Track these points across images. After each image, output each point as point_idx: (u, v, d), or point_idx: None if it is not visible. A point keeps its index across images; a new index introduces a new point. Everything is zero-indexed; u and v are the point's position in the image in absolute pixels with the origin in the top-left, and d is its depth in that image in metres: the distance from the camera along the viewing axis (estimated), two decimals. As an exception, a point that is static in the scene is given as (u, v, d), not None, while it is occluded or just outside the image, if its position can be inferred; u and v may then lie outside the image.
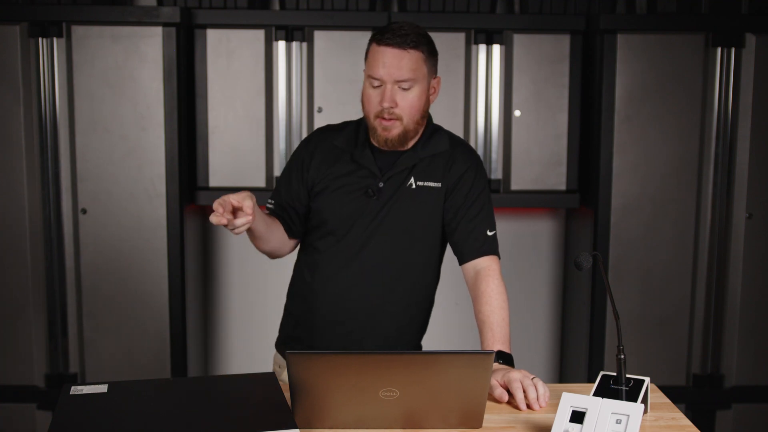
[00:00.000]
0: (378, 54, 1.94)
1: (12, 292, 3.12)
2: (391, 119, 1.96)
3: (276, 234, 2.09)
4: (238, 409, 1.63)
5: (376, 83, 1.95)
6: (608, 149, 3.14)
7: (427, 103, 2.03)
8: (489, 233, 2.07)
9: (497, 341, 1.95)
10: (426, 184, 2.05)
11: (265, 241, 2.07)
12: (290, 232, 2.13)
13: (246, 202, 1.82)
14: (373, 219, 2.03)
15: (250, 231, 1.97)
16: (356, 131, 2.09)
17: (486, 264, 2.04)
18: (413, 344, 2.18)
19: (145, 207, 3.12)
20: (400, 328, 2.11)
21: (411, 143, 2.05)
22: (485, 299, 2.00)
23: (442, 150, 2.07)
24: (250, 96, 3.20)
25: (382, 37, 1.94)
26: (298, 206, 2.11)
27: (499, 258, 2.08)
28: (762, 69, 3.13)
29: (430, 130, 2.09)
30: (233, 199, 1.81)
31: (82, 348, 3.17)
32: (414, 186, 2.04)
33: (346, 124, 2.14)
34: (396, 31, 1.94)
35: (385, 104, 1.94)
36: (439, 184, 2.05)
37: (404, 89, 1.95)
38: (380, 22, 3.09)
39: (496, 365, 1.88)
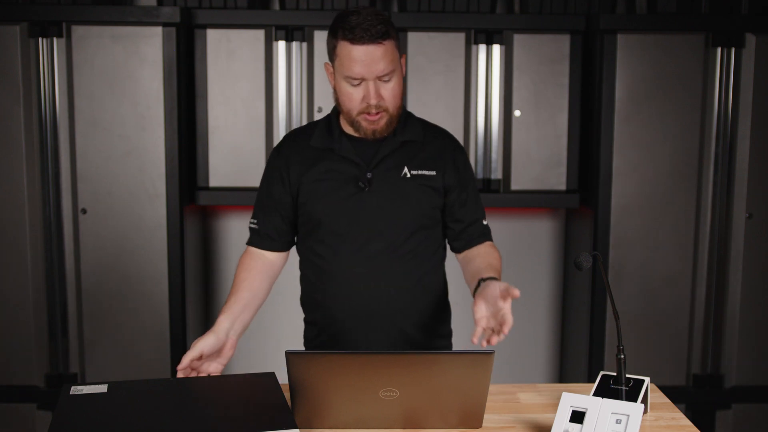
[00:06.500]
0: (353, 53, 1.90)
1: (12, 292, 3.12)
2: (378, 113, 1.95)
3: (261, 292, 2.08)
4: (238, 409, 1.63)
5: (356, 82, 1.93)
6: (608, 149, 3.14)
7: (404, 85, 2.05)
8: (484, 222, 2.13)
9: (493, 270, 1.98)
10: (420, 172, 2.04)
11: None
12: (281, 246, 2.11)
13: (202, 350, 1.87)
14: (372, 212, 2.01)
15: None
16: (328, 127, 2.07)
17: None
18: (444, 331, 2.18)
19: (145, 207, 3.12)
20: (421, 311, 2.09)
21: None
22: (475, 253, 2.08)
23: (418, 134, 2.07)
24: (250, 96, 3.20)
25: (353, 36, 1.89)
26: (284, 215, 2.08)
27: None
28: (762, 69, 3.13)
29: (404, 114, 2.09)
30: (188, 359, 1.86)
31: (82, 348, 3.17)
32: (409, 175, 2.03)
33: (314, 124, 2.12)
34: (363, 25, 1.89)
35: (372, 101, 1.93)
36: (434, 173, 2.05)
37: (386, 81, 1.94)
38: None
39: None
